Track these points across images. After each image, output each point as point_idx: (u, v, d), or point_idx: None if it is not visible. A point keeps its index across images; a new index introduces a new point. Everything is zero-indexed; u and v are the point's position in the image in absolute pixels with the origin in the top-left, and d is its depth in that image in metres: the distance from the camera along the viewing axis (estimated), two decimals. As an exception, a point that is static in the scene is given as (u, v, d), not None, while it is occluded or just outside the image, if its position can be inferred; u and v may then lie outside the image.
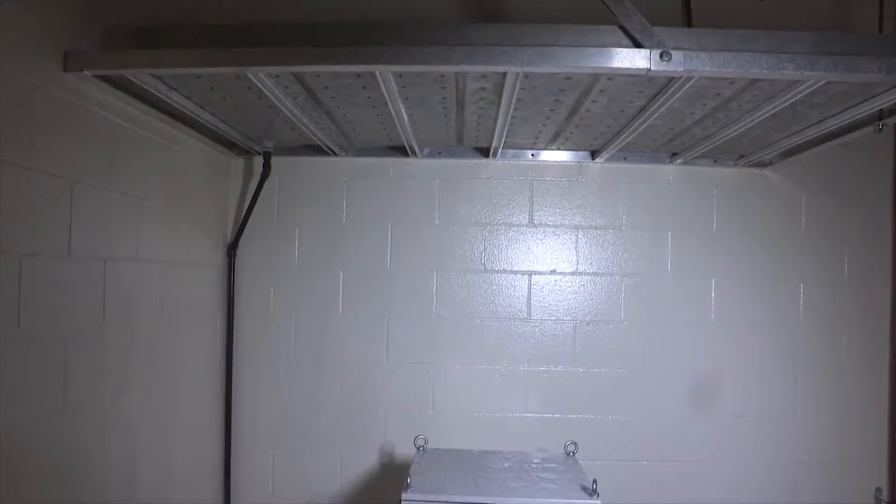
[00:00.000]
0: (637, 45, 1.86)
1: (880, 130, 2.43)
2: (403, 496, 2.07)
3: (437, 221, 3.08)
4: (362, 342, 3.07)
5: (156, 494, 2.47)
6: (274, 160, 3.01)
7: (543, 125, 2.61)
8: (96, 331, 2.06)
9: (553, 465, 2.44)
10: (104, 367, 2.11)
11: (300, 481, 3.09)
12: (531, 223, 3.09)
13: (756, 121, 2.33)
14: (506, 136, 2.70)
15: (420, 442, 2.59)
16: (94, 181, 2.04)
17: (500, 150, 2.93)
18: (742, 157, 3.00)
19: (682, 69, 1.83)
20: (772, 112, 2.22)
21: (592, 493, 2.10)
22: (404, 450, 2.92)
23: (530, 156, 3.08)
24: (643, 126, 2.43)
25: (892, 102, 2.10)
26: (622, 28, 1.87)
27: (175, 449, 2.62)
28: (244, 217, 3.01)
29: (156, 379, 2.46)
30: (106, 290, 2.10)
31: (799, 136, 2.56)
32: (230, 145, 2.98)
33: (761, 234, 3.09)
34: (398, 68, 1.93)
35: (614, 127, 2.57)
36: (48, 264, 1.84)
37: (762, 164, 3.06)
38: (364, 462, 3.07)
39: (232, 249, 3.05)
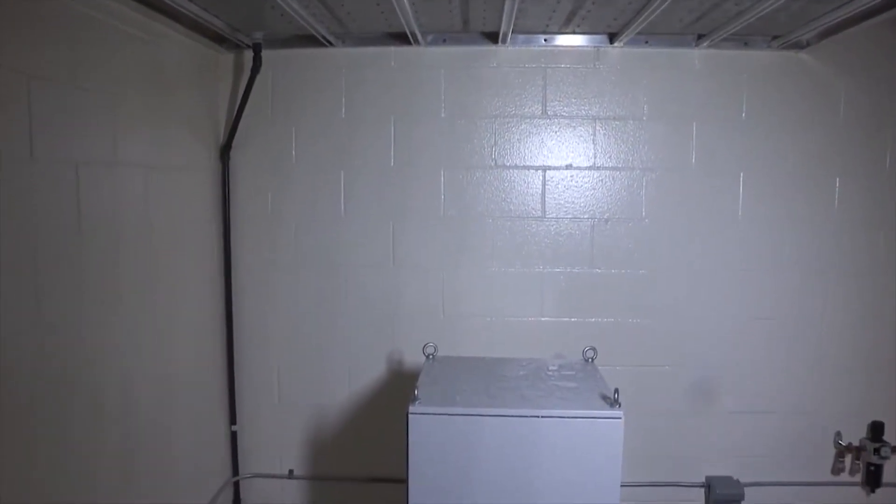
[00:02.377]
0: None
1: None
2: (410, 409, 1.94)
3: (443, 115, 2.85)
4: (367, 246, 2.90)
5: (157, 413, 2.37)
6: (266, 54, 2.76)
7: (558, 2, 2.34)
8: (72, 241, 1.89)
9: (571, 373, 2.31)
10: (86, 281, 1.95)
11: (306, 392, 3.00)
12: (545, 114, 2.86)
13: (798, -12, 2.07)
14: (516, 18, 2.44)
15: (429, 350, 2.45)
16: (56, 77, 1.83)
17: (509, 36, 2.67)
18: (776, 37, 2.72)
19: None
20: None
21: (614, 402, 1.96)
22: (414, 358, 2.79)
23: (543, 41, 2.81)
24: (670, -1, 2.17)
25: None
26: None
27: (175, 365, 2.51)
28: (236, 116, 2.79)
29: (148, 292, 2.31)
30: (81, 196, 1.92)
31: (843, 10, 2.28)
32: (218, 39, 2.73)
33: (795, 123, 2.84)
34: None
35: (637, 2, 2.30)
36: (8, 167, 1.65)
37: (798, 46, 2.78)
38: (372, 371, 2.96)
39: (225, 152, 2.85)
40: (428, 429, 1.95)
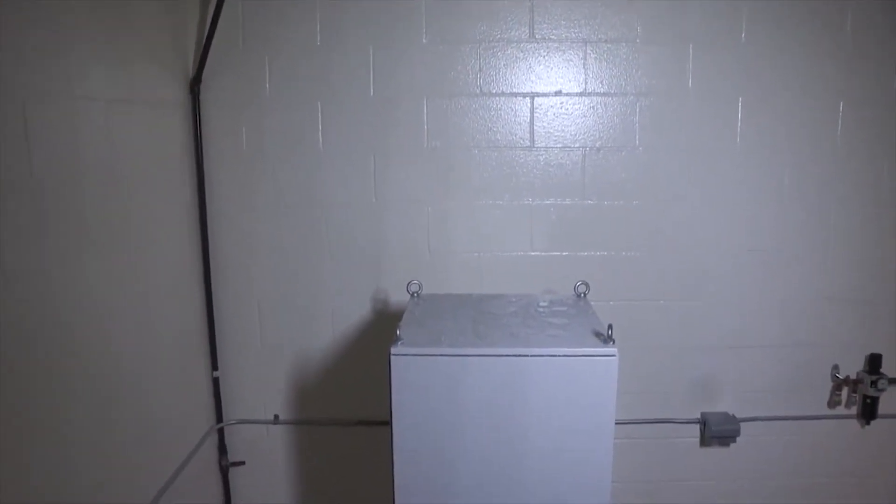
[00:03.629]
0: None
1: None
2: (392, 350, 1.83)
3: (424, 41, 2.67)
4: (348, 182, 2.75)
5: (134, 359, 2.24)
6: (232, -26, 2.57)
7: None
8: (23, 185, 1.73)
9: (563, 309, 2.20)
10: (44, 227, 1.80)
11: (289, 336, 2.89)
12: (532, 38, 2.68)
13: None
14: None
15: (413, 287, 2.34)
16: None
17: (494, -49, 2.49)
18: (779, -50, 2.55)
19: None
20: None
21: (607, 339, 1.86)
22: (399, 297, 2.68)
23: (530, -42, 2.63)
24: None
25: None
26: None
27: (151, 310, 2.37)
28: (205, 47, 2.60)
29: (118, 237, 2.16)
30: (30, 133, 1.75)
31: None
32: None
33: (797, 46, 2.68)
34: None
35: None
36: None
37: (802, -38, 2.61)
38: (357, 312, 2.84)
39: (194, 85, 2.67)
40: (411, 371, 1.84)
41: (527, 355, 1.82)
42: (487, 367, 1.83)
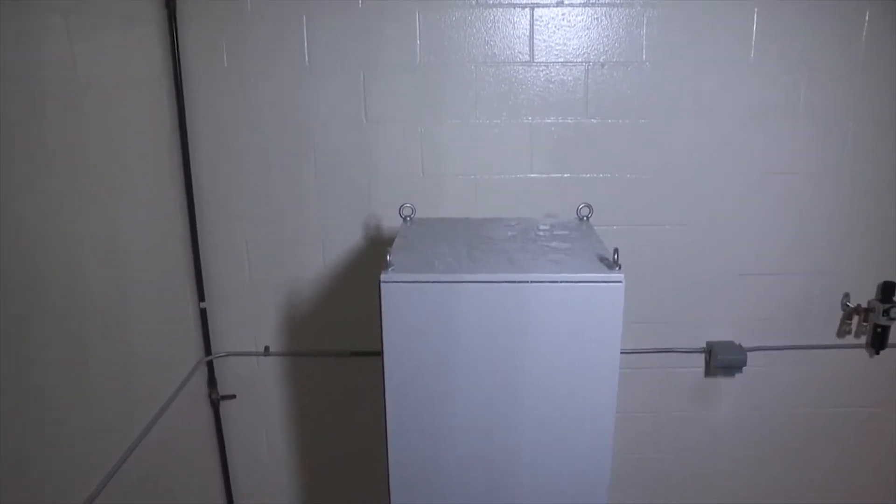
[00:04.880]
0: None
1: None
2: (382, 277, 1.70)
3: (416, -55, 2.47)
4: (336, 100, 2.57)
5: (112, 291, 2.11)
6: None
7: None
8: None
9: (564, 233, 2.07)
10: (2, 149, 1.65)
11: (278, 265, 2.76)
12: (533, -58, 2.48)
13: None
14: None
15: (406, 211, 2.20)
16: None
17: None
18: None
19: None
20: None
21: (613, 264, 1.73)
22: (392, 223, 2.53)
23: None
24: None
25: None
26: None
27: (129, 238, 2.23)
28: (179, -48, 2.41)
29: (90, 162, 2.00)
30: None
31: None
32: None
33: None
34: None
35: None
36: None
37: None
38: (348, 240, 2.71)
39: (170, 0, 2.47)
40: (403, 298, 1.71)
41: (526, 281, 1.70)
42: (483, 295, 1.71)
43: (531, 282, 1.69)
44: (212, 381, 2.87)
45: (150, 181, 2.41)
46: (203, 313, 2.78)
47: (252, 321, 2.83)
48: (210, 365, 2.85)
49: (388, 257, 1.74)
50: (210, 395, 2.88)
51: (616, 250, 1.72)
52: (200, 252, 2.71)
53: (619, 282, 1.69)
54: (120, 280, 2.17)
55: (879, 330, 2.79)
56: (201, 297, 2.75)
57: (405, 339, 1.75)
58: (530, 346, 1.74)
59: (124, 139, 2.22)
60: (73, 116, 1.93)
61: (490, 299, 1.71)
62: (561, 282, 1.70)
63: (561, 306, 1.71)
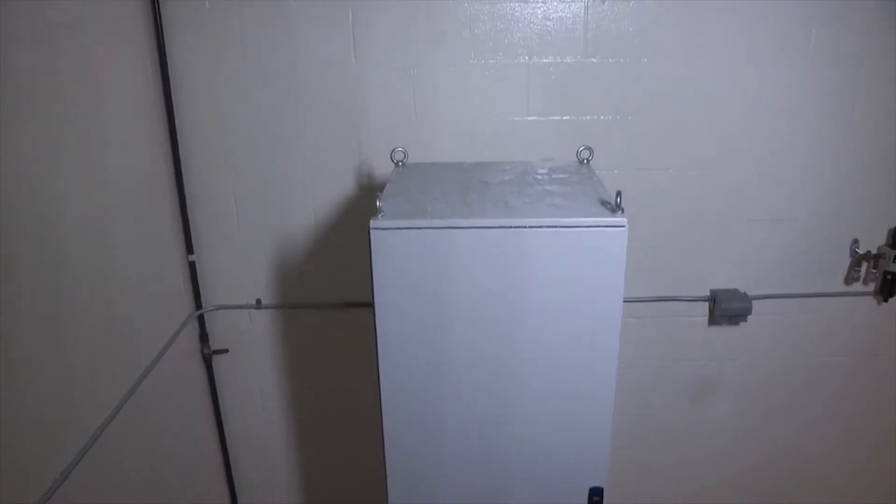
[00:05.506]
0: None
1: None
2: (372, 224, 1.61)
3: None
4: (323, 39, 2.43)
5: (93, 245, 2.02)
6: None
7: None
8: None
9: (563, 176, 1.96)
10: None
11: (269, 216, 2.66)
12: None
13: None
14: None
15: (398, 156, 2.10)
16: None
17: None
18: None
19: None
20: None
21: (616, 208, 1.63)
22: (384, 169, 2.43)
23: None
24: None
25: None
26: None
27: (112, 195, 2.13)
28: None
29: (66, 107, 1.89)
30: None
31: None
32: None
33: None
34: None
35: None
36: None
37: None
38: (339, 188, 2.61)
39: (144, -70, 2.33)
40: (394, 246, 1.62)
41: (524, 227, 1.60)
42: (479, 241, 1.61)
43: (529, 227, 1.60)
44: (203, 336, 2.80)
45: (132, 129, 2.30)
46: (192, 266, 2.69)
47: (243, 274, 2.75)
48: (201, 319, 2.78)
49: (377, 203, 1.64)
50: (202, 350, 2.81)
51: (619, 193, 1.62)
52: (187, 203, 2.61)
53: (623, 226, 1.60)
54: (102, 232, 2.08)
55: (889, 277, 2.70)
56: (189, 250, 2.66)
57: (397, 289, 1.66)
58: (528, 295, 1.66)
59: (102, 84, 2.10)
60: (47, 57, 1.82)
61: (485, 246, 1.62)
62: (560, 227, 1.60)
63: (561, 253, 1.62)
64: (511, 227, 1.60)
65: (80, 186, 1.97)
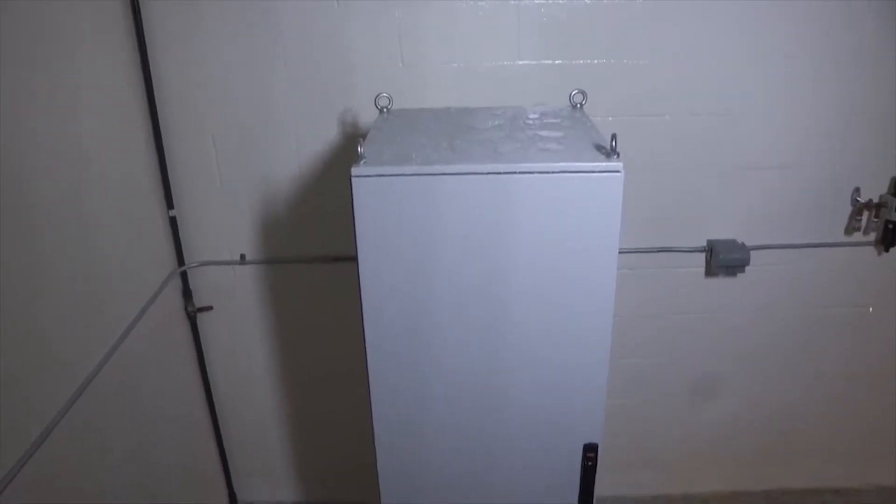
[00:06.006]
0: None
1: None
2: (353, 171, 1.52)
3: None
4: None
5: (68, 202, 1.93)
6: None
7: None
8: None
9: (556, 121, 1.87)
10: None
11: (251, 168, 2.56)
12: None
13: None
14: None
15: (382, 102, 2.00)
16: None
17: None
18: None
19: None
20: None
21: (611, 153, 1.54)
22: (370, 117, 2.31)
23: None
24: None
25: None
26: None
27: (88, 147, 2.04)
28: None
29: (36, 61, 1.79)
30: None
31: None
32: None
33: None
34: None
35: None
36: None
37: None
38: (323, 138, 2.51)
39: None
40: (377, 194, 1.53)
41: (514, 172, 1.51)
42: (466, 188, 1.53)
43: (519, 173, 1.51)
44: (187, 293, 2.72)
45: (107, 83, 2.19)
46: (173, 221, 2.60)
47: (226, 228, 2.66)
48: (184, 276, 2.70)
49: (359, 149, 1.55)
50: (186, 308, 2.74)
51: (614, 136, 1.53)
52: (166, 155, 2.51)
53: (618, 171, 1.51)
54: (78, 188, 1.98)
55: (891, 226, 2.62)
56: (170, 205, 2.57)
57: (380, 240, 1.58)
58: (519, 244, 1.58)
59: (76, 32, 1.99)
60: (15, 15, 1.70)
61: (474, 194, 1.53)
62: (553, 172, 1.51)
63: (553, 200, 1.54)
64: (500, 173, 1.51)
65: (55, 143, 1.87)
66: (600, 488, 1.89)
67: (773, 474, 3.20)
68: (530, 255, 1.59)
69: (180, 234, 2.63)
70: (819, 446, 3.15)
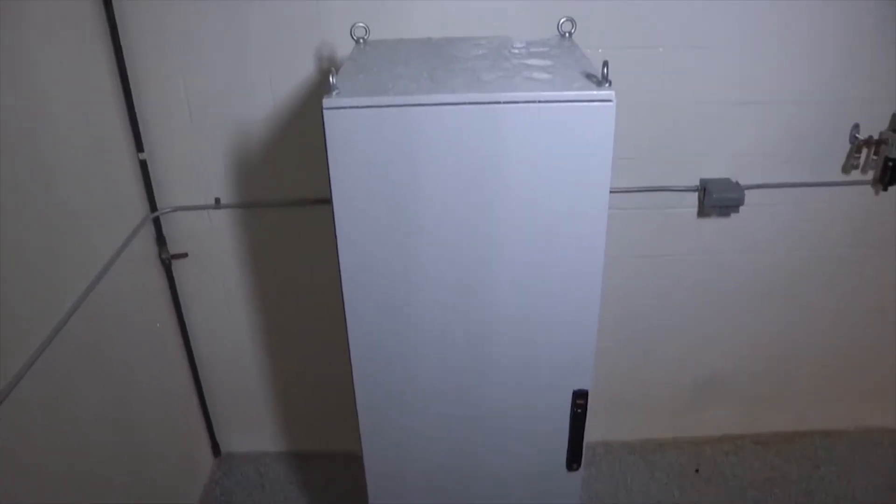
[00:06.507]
0: None
1: None
2: (325, 103, 1.40)
3: None
4: None
5: (29, 146, 1.80)
6: None
7: None
8: None
9: (543, 50, 1.75)
10: None
11: (223, 106, 2.42)
12: None
13: None
14: None
15: (359, 32, 1.88)
16: None
17: None
18: None
19: None
20: None
21: (602, 81, 1.44)
22: (348, 50, 2.19)
23: None
24: None
25: None
26: None
27: (47, 86, 1.90)
28: None
29: None
30: None
31: None
32: None
33: None
34: None
35: None
36: None
37: None
38: (299, 73, 2.37)
39: None
40: (351, 128, 1.42)
41: (498, 102, 1.40)
42: (448, 121, 1.42)
43: (505, 102, 1.40)
44: (161, 240, 2.62)
45: (65, 10, 2.04)
46: (143, 165, 2.48)
47: (199, 171, 2.54)
48: (157, 222, 2.59)
49: (331, 80, 1.43)
50: (160, 256, 2.63)
51: (605, 64, 1.42)
52: (133, 96, 2.37)
53: (610, 101, 1.41)
54: (40, 132, 1.86)
55: (890, 164, 2.53)
56: (139, 148, 2.44)
57: (357, 179, 1.48)
58: (504, 181, 1.48)
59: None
60: None
61: (456, 127, 1.42)
62: (541, 102, 1.40)
63: (540, 132, 1.43)
64: (484, 103, 1.40)
65: (14, 81, 1.74)
66: (588, 433, 1.83)
67: (762, 418, 3.17)
68: (517, 192, 1.49)
69: (151, 179, 2.51)
70: (810, 389, 3.11)
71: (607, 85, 1.42)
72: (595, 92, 1.41)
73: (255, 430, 3.13)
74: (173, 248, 2.64)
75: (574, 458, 1.86)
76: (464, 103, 1.40)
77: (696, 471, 3.03)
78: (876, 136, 2.53)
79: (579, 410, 1.77)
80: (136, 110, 2.39)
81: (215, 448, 3.13)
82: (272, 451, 3.19)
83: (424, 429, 1.84)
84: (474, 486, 1.95)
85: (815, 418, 3.19)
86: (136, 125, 2.40)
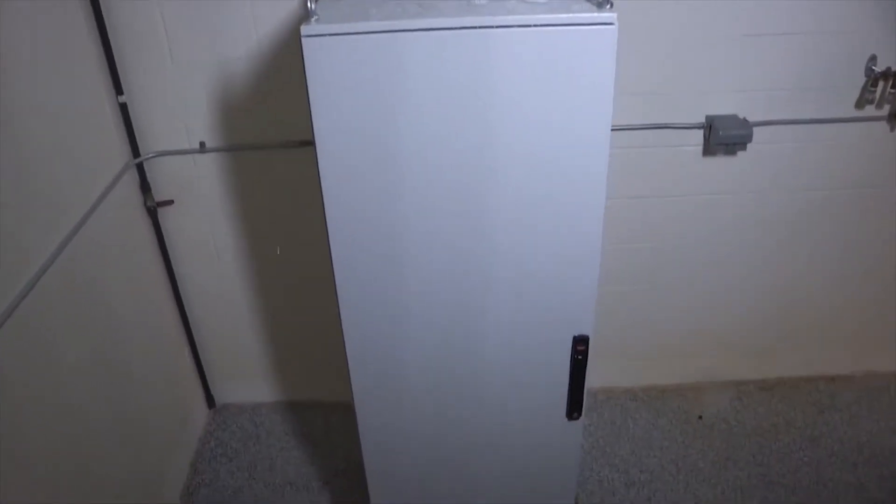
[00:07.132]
0: None
1: None
2: (303, 30, 1.29)
3: None
4: None
5: None
6: None
7: None
8: None
9: (540, -28, 1.63)
10: None
11: (204, 44, 2.29)
12: None
13: None
14: None
15: (341, -41, 1.75)
16: None
17: None
18: None
19: None
20: None
21: (603, 2, 1.33)
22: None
23: None
24: None
25: None
26: None
27: (11, 28, 1.76)
28: None
29: None
30: None
31: None
32: None
33: None
34: None
35: None
36: None
37: None
38: (282, 7, 2.24)
39: None
40: (332, 58, 1.32)
41: (491, 26, 1.29)
42: (437, 49, 1.31)
43: (498, 27, 1.29)
44: (145, 187, 2.52)
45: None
46: (123, 108, 2.36)
47: (182, 114, 2.43)
48: (140, 168, 2.49)
49: (309, 5, 1.32)
50: (145, 203, 2.53)
51: (608, -17, 1.31)
52: (109, 35, 2.24)
53: (612, 24, 1.30)
54: (8, 75, 1.74)
55: (907, 99, 2.43)
56: (119, 91, 2.33)
57: (340, 114, 1.38)
58: (500, 113, 1.38)
59: None
60: None
61: (446, 55, 1.32)
62: (537, 25, 1.29)
63: (537, 58, 1.33)
64: (475, 27, 1.29)
65: None
66: (589, 379, 1.77)
67: (767, 363, 3.12)
68: (513, 125, 1.39)
69: (133, 123, 2.40)
70: (815, 334, 3.05)
71: (608, 6, 1.31)
72: (596, 14, 1.30)
73: (249, 380, 3.08)
74: (158, 195, 2.55)
75: (574, 406, 1.80)
76: (455, 28, 1.29)
77: (700, 417, 2.98)
78: (895, 68, 2.41)
79: (580, 357, 1.70)
80: (114, 51, 2.26)
81: (210, 399, 3.08)
82: (268, 402, 3.14)
83: (419, 380, 1.77)
84: (472, 437, 1.89)
85: (820, 363, 3.13)
86: (113, 67, 2.28)
